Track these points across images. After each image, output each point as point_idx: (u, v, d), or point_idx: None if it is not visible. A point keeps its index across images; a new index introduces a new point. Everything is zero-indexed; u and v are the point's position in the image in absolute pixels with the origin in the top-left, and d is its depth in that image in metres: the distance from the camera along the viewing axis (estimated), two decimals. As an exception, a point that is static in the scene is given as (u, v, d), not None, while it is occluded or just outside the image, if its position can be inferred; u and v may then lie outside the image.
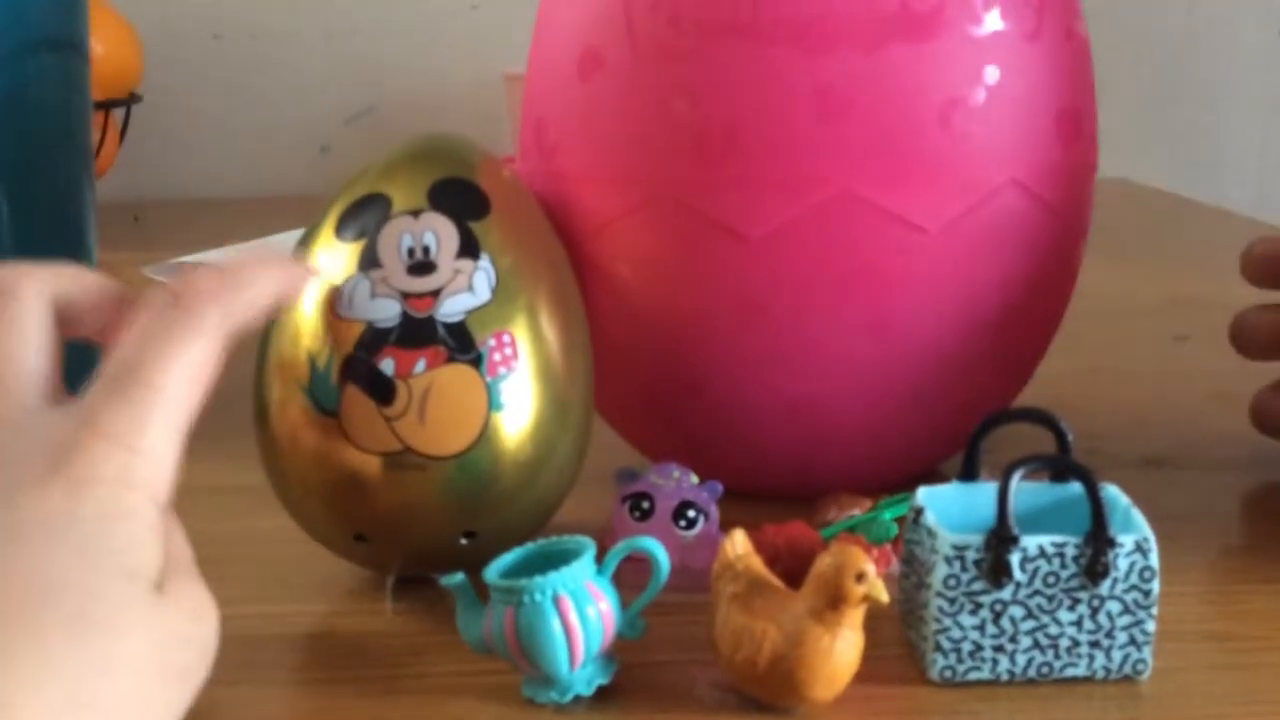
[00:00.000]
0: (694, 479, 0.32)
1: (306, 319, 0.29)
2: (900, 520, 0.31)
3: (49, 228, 0.45)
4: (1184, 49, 1.00)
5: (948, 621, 0.26)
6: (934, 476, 0.32)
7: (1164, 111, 1.00)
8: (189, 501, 0.38)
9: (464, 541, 0.29)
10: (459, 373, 0.29)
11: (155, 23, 0.89)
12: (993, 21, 0.32)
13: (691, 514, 0.32)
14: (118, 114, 0.85)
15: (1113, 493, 0.28)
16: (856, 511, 0.33)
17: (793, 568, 0.28)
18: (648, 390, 0.36)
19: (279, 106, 0.96)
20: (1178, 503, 0.36)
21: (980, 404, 0.33)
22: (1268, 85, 1.00)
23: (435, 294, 0.29)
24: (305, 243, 0.31)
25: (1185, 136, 1.01)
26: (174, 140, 0.94)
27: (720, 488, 0.32)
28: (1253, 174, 0.99)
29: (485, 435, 0.29)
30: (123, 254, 0.73)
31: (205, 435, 0.45)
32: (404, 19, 0.96)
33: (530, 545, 0.27)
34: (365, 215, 0.30)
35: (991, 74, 0.32)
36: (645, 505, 0.31)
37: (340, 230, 0.30)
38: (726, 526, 0.30)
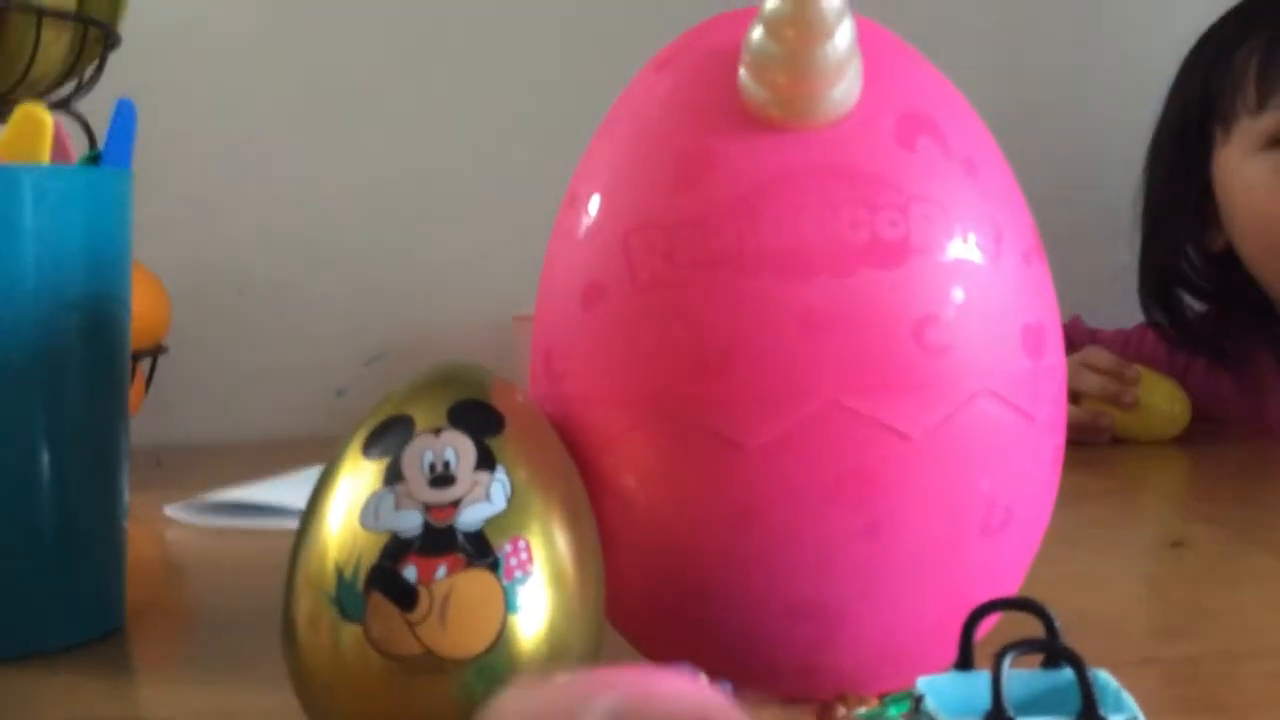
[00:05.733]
0: (703, 680, 0.33)
1: (334, 534, 0.31)
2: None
3: (89, 477, 0.48)
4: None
5: (954, 807, 0.27)
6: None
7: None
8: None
9: (482, 745, 0.30)
10: (478, 577, 0.31)
11: (183, 279, 0.95)
12: (955, 249, 0.35)
13: (702, 716, 0.32)
14: (144, 364, 0.90)
15: (1103, 677, 0.29)
16: (863, 710, 0.34)
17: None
18: (656, 595, 0.37)
19: (297, 353, 1.01)
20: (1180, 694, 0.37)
21: (978, 600, 0.35)
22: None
23: (455, 504, 0.31)
24: (333, 463, 0.33)
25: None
26: (197, 388, 0.99)
27: (730, 687, 0.33)
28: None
29: (503, 637, 0.30)
30: (148, 494, 0.76)
31: (228, 660, 0.46)
32: (418, 268, 1.02)
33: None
34: (389, 435, 0.33)
35: (958, 294, 0.35)
36: (656, 707, 0.32)
37: (367, 450, 0.33)
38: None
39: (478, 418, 0.33)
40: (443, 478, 0.32)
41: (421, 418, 0.33)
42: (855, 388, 0.35)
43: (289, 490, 0.68)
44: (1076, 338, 0.90)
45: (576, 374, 0.38)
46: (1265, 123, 0.80)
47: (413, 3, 1.02)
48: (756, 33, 0.35)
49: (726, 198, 0.36)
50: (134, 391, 0.87)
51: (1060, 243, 1.04)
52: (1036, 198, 0.40)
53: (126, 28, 0.75)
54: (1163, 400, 0.81)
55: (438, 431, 0.33)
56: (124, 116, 0.51)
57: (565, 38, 1.03)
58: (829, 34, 0.34)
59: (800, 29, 0.34)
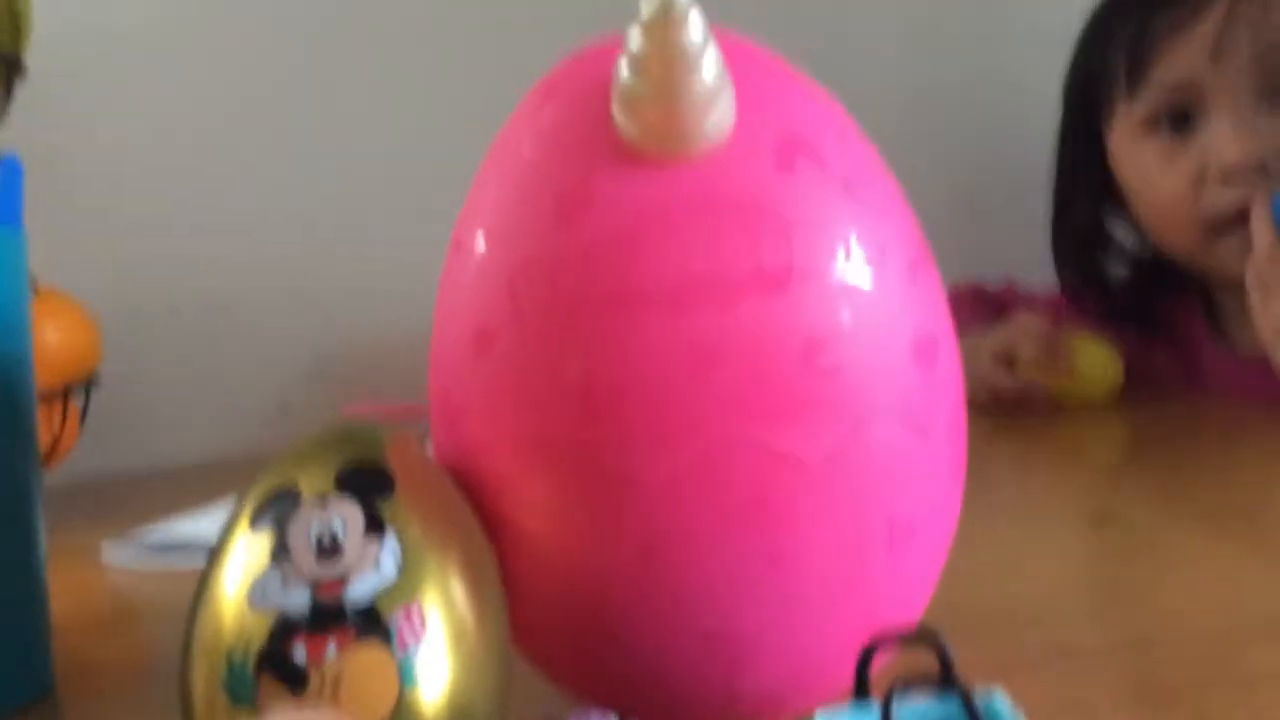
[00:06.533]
0: (614, 723, 0.33)
1: (223, 614, 0.31)
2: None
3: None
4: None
5: None
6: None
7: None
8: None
9: (389, 818, 0.30)
10: (369, 652, 0.30)
11: (112, 304, 0.94)
12: (839, 270, 0.35)
13: (614, 761, 0.32)
14: (78, 397, 0.88)
15: (999, 700, 0.29)
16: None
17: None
18: (567, 635, 0.37)
19: (237, 373, 1.00)
20: (1092, 695, 0.37)
21: (885, 622, 0.35)
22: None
23: (344, 577, 0.31)
24: (224, 536, 0.33)
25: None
26: (137, 416, 0.97)
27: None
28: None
29: (399, 710, 0.30)
30: (86, 532, 0.75)
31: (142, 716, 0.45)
32: (351, 280, 1.01)
33: (446, 817, 0.28)
34: (276, 506, 0.32)
35: (845, 315, 0.35)
36: (566, 758, 0.32)
37: (254, 523, 0.32)
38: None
39: (367, 481, 0.33)
40: (330, 550, 0.31)
41: (308, 485, 0.33)
42: (748, 417, 0.34)
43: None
44: (1011, 303, 0.91)
45: (473, 417, 0.37)
46: (1139, 109, 0.78)
47: (323, 26, 1.01)
48: (623, 69, 0.35)
49: (607, 236, 0.35)
50: (69, 427, 0.86)
51: (995, 203, 1.04)
52: (967, 159, 0.40)
53: (34, 56, 0.74)
54: (1097, 363, 0.82)
55: (324, 500, 0.32)
56: (8, 175, 0.50)
57: (482, 40, 1.02)
58: (693, 68, 0.33)
59: (664, 65, 0.33)
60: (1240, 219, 0.71)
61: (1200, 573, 0.48)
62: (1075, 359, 0.80)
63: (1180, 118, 0.76)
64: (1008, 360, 0.81)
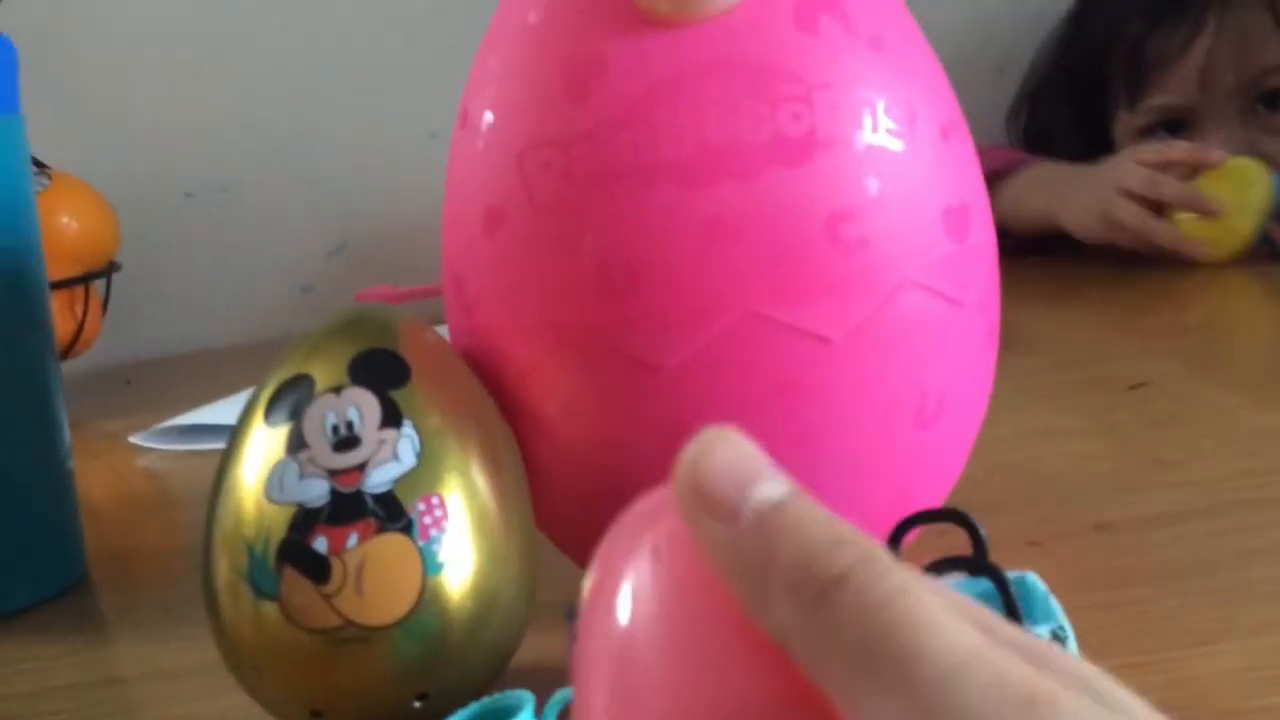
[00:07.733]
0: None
1: (242, 506, 0.31)
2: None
3: (19, 426, 0.47)
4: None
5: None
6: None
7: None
8: (151, 686, 0.39)
9: (418, 704, 0.30)
10: (391, 542, 0.30)
11: (128, 190, 0.92)
12: (865, 137, 0.33)
13: (642, 642, 0.32)
14: (99, 285, 0.88)
15: (1031, 581, 0.28)
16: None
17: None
18: (590, 518, 0.37)
19: (257, 254, 0.99)
20: (1128, 566, 0.37)
21: (913, 501, 0.34)
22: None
23: (361, 467, 0.30)
24: (239, 429, 0.32)
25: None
26: (158, 302, 0.97)
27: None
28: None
29: (424, 599, 0.30)
30: (115, 421, 0.76)
31: (164, 614, 0.45)
32: (367, 154, 0.99)
33: (472, 705, 0.28)
34: (290, 398, 0.32)
35: (871, 184, 0.33)
36: (593, 641, 0.32)
37: (269, 416, 0.32)
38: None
39: (381, 369, 0.32)
40: (347, 440, 0.31)
41: (322, 375, 0.32)
42: (770, 296, 0.33)
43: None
44: (1012, 164, 0.88)
45: (486, 303, 0.36)
46: (1137, 121, 0.88)
47: None
48: (630, -77, 0.32)
49: (619, 106, 0.33)
50: (91, 315, 0.86)
51: (1025, 65, 1.00)
52: (999, 16, 0.38)
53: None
54: (1254, 190, 0.73)
55: (339, 390, 0.32)
56: (1, 54, 0.48)
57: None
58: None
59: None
60: None
61: (1237, 443, 0.47)
62: (1226, 188, 0.72)
63: (1173, 128, 0.87)
64: (1154, 204, 0.77)
